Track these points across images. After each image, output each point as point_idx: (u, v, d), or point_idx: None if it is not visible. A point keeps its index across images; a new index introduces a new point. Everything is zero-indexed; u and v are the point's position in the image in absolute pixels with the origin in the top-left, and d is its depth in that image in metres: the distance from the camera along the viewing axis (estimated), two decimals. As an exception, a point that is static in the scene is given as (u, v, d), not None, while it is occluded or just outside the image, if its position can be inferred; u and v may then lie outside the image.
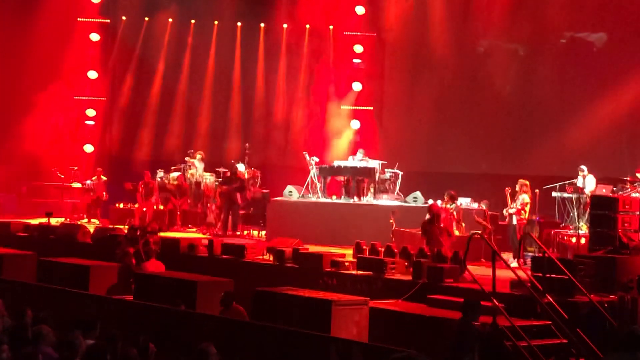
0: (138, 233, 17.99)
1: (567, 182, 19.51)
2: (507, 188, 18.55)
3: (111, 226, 21.94)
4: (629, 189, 18.64)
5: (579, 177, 19.55)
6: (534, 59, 24.90)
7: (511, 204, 18.29)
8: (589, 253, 15.26)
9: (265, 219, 22.49)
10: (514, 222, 18.16)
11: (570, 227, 19.00)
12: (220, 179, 23.93)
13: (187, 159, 25.07)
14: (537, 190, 19.36)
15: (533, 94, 24.64)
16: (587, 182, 19.37)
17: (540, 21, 24.40)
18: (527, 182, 18.41)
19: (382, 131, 26.28)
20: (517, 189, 18.31)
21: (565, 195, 19.30)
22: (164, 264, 16.43)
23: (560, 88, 24.16)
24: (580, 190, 19.08)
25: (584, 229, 18.13)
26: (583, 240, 17.56)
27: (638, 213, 15.77)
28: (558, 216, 19.93)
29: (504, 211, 18.64)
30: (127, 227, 20.65)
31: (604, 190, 18.80)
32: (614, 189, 18.93)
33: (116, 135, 28.66)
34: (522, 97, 24.86)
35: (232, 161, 24.48)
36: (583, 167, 19.63)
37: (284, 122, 27.49)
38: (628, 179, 19.14)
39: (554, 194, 19.54)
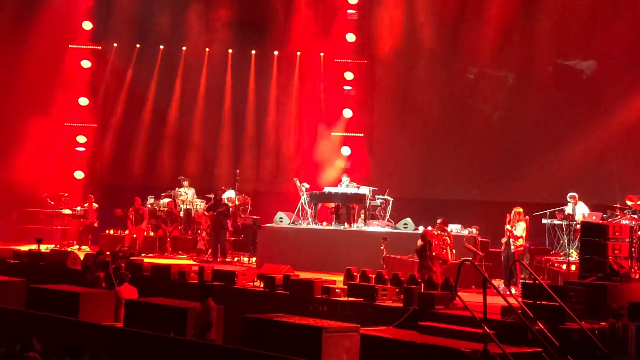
0: (109, 258, 17.96)
1: (557, 209, 19.56)
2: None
3: (101, 252, 21.87)
4: (619, 216, 18.69)
5: (569, 204, 19.58)
6: (523, 86, 25.03)
7: (509, 231, 18.27)
8: (580, 280, 15.26)
9: (256, 245, 22.44)
10: (512, 249, 18.14)
11: (561, 254, 19.02)
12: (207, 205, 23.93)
13: (182, 184, 25.13)
14: (527, 217, 19.40)
15: (522, 120, 24.74)
16: (578, 209, 19.40)
17: (530, 48, 24.56)
18: (522, 210, 18.48)
19: (373, 158, 26.33)
20: (513, 216, 18.32)
21: (556, 222, 19.34)
22: (136, 289, 16.37)
23: (549, 115, 24.26)
24: (570, 217, 19.12)
25: (574, 255, 18.15)
26: (573, 267, 17.56)
27: (628, 240, 15.80)
28: (548, 243, 19.96)
29: (503, 239, 18.58)
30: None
31: (594, 217, 18.85)
32: (604, 216, 18.98)
33: (107, 161, 28.62)
34: (512, 123, 24.97)
35: (223, 187, 24.51)
36: (574, 194, 19.66)
37: (274, 149, 27.55)
38: (618, 206, 19.19)
39: (544, 220, 19.58)
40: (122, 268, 17.30)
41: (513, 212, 18.39)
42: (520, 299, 13.87)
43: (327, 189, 22.85)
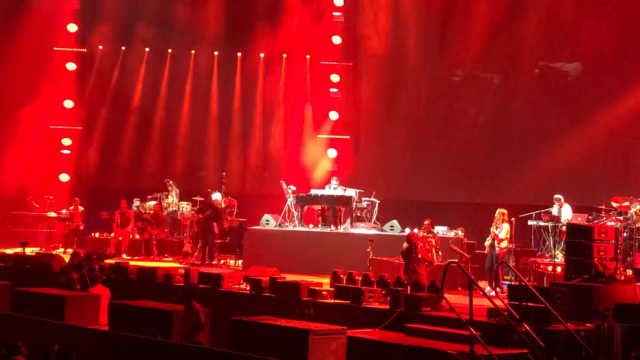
0: (83, 260, 17.94)
1: (543, 210, 19.61)
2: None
3: (87, 255, 21.79)
4: (604, 218, 18.76)
5: (554, 205, 19.64)
6: (509, 88, 25.11)
7: (494, 234, 18.25)
8: (565, 281, 15.31)
9: (242, 248, 22.44)
10: (496, 251, 18.13)
11: (546, 255, 19.07)
12: (196, 208, 23.89)
13: (171, 184, 25.14)
14: (513, 219, 19.44)
15: (508, 123, 24.82)
16: (564, 212, 19.46)
17: (515, 51, 24.64)
18: (506, 211, 18.49)
19: (359, 160, 26.35)
20: (499, 216, 18.32)
21: (541, 223, 19.39)
22: (109, 290, 16.33)
23: (535, 117, 24.34)
24: (555, 219, 19.17)
25: (559, 257, 18.20)
26: (559, 269, 17.61)
27: (613, 241, 15.85)
28: (534, 245, 20.01)
29: (487, 240, 18.53)
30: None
31: (579, 219, 18.91)
32: (589, 217, 19.04)
33: (92, 164, 28.54)
34: (498, 126, 25.05)
35: (209, 190, 24.46)
36: (559, 196, 19.73)
37: (260, 151, 27.53)
38: (603, 207, 19.26)
39: (530, 222, 19.62)
40: (96, 270, 17.26)
41: (497, 213, 18.40)
42: (506, 301, 13.89)
43: (313, 191, 22.85)
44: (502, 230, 18.15)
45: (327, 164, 26.07)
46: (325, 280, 17.57)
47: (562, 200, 19.62)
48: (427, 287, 15.49)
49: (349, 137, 26.70)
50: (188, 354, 12.11)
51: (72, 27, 28.00)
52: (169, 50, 28.12)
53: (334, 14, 26.70)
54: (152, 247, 23.97)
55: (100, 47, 28.36)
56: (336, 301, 15.98)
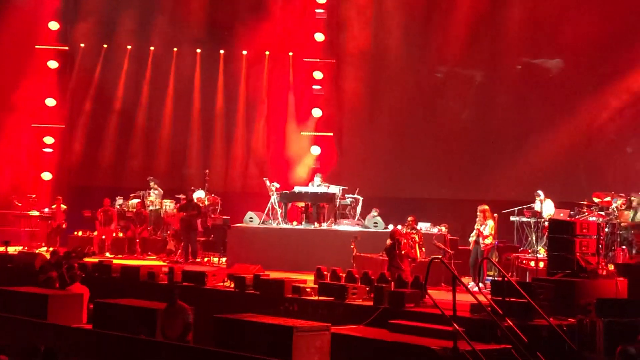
0: (62, 258, 17.92)
1: (525, 206, 19.68)
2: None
3: (70, 254, 21.71)
4: (586, 213, 18.86)
5: (536, 201, 19.73)
6: (491, 84, 25.18)
7: (478, 230, 18.26)
8: (548, 277, 15.38)
9: (226, 245, 22.42)
10: (481, 247, 18.14)
11: (529, 250, 19.14)
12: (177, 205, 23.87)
13: (151, 184, 25.10)
14: (495, 215, 19.51)
15: (490, 119, 24.90)
16: (545, 207, 19.54)
17: (497, 47, 24.72)
18: (487, 207, 18.51)
19: (342, 157, 26.36)
20: (480, 214, 18.33)
21: (524, 219, 19.46)
22: (88, 289, 16.32)
23: (517, 113, 24.43)
24: (538, 215, 19.25)
25: (542, 252, 18.27)
26: (542, 264, 17.68)
27: (595, 237, 15.94)
28: (517, 240, 20.08)
29: (471, 236, 18.50)
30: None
31: (562, 215, 19.00)
32: (571, 213, 19.13)
33: (75, 162, 28.45)
34: (480, 122, 25.12)
35: (192, 188, 24.44)
36: (539, 192, 19.82)
37: (244, 148, 27.52)
38: (585, 202, 19.35)
39: (512, 218, 19.69)
40: (75, 268, 17.24)
41: (478, 210, 18.39)
42: (489, 296, 13.94)
43: (297, 189, 22.86)
44: (487, 226, 18.17)
45: (310, 161, 26.10)
46: (309, 277, 17.61)
47: (543, 196, 19.70)
48: (411, 284, 15.53)
49: (332, 134, 26.72)
50: (173, 352, 12.11)
51: (54, 25, 27.87)
52: (151, 48, 28.05)
53: (317, 11, 26.70)
54: (136, 245, 23.93)
55: (82, 45, 28.26)
56: (320, 298, 16.01)
